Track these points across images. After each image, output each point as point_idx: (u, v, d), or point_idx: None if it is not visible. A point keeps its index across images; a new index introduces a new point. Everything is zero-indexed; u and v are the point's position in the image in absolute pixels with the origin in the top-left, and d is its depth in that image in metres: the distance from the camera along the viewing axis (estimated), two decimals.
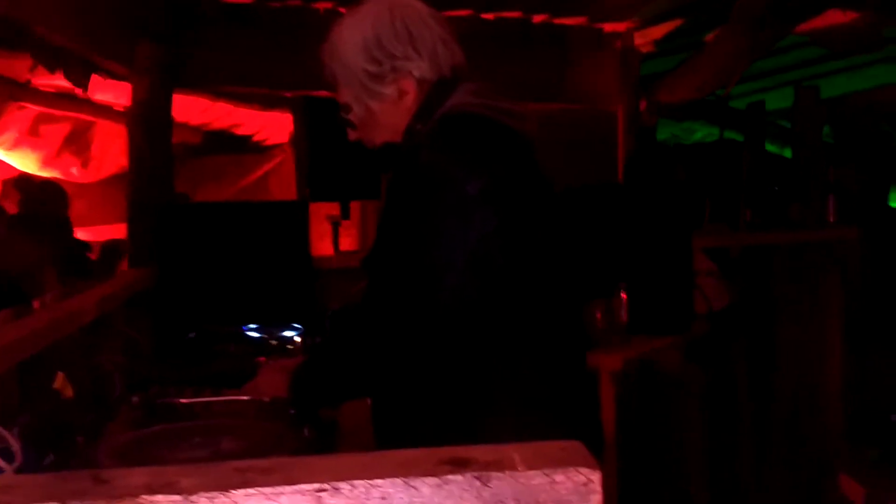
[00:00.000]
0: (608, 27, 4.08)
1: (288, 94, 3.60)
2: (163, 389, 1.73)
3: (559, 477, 0.61)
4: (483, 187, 1.43)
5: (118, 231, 3.92)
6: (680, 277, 3.10)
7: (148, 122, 3.14)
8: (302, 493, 0.60)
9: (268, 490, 0.60)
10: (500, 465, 0.62)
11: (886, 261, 3.94)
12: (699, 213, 3.92)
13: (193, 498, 0.60)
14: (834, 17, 3.88)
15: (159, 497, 0.59)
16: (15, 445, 1.19)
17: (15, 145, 4.68)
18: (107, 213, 4.91)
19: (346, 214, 3.28)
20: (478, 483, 0.61)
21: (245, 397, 1.66)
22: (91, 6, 2.73)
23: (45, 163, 4.85)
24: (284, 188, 4.99)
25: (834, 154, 4.27)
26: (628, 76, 4.16)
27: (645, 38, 4.15)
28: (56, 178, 4.91)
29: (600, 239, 3.03)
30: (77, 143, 4.82)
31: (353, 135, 1.67)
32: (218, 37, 3.39)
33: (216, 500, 0.60)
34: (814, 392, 3.83)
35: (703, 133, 5.97)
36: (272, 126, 5.22)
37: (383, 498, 0.60)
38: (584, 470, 0.61)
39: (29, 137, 4.64)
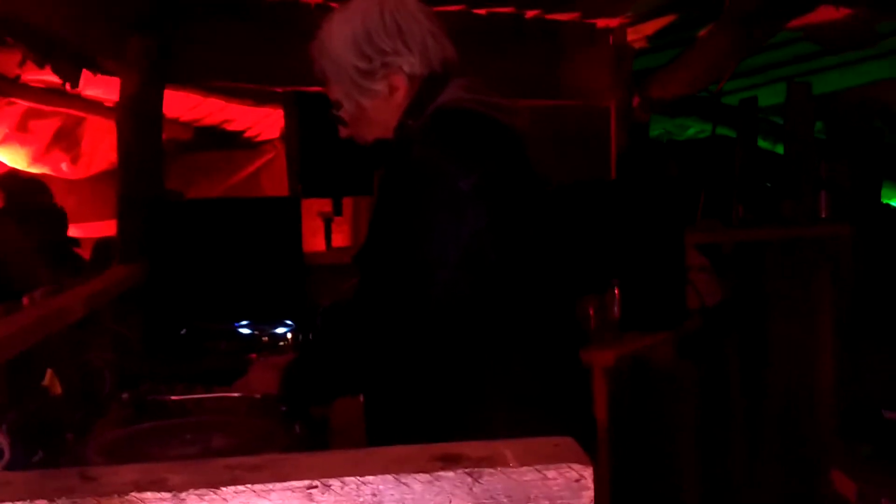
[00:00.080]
0: (601, 23, 4.07)
1: (279, 90, 3.58)
2: (153, 386, 1.73)
3: (551, 473, 0.61)
4: (475, 183, 1.42)
5: (108, 227, 3.90)
6: (672, 273, 3.10)
7: (137, 118, 3.12)
8: (292, 489, 0.60)
9: (258, 487, 0.60)
10: (492, 462, 0.61)
11: (878, 257, 3.95)
12: (692, 209, 3.93)
13: (182, 495, 0.59)
14: (827, 13, 3.89)
15: (148, 494, 0.59)
16: (3, 442, 1.18)
17: (4, 141, 4.66)
18: (97, 209, 4.88)
19: (338, 211, 3.27)
20: (469, 479, 0.60)
21: (236, 394, 1.65)
22: (80, 0, 2.72)
23: (35, 159, 4.82)
24: (276, 184, 4.97)
25: (826, 150, 4.27)
26: (621, 72, 4.16)
27: (637, 34, 4.15)
28: (46, 175, 4.88)
29: (593, 235, 3.03)
30: (67, 138, 4.79)
31: (344, 132, 1.66)
32: (209, 32, 3.37)
33: (206, 498, 0.59)
34: (806, 388, 3.83)
35: (695, 129, 5.97)
36: (264, 122, 5.20)
37: (374, 495, 0.60)
38: (576, 466, 0.61)
39: (18, 133, 4.61)
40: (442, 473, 0.60)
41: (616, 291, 2.99)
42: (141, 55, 3.09)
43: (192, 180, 5.10)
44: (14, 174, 4.47)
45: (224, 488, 0.59)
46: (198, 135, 5.28)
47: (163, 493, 0.59)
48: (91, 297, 1.99)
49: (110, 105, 4.38)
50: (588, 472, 0.61)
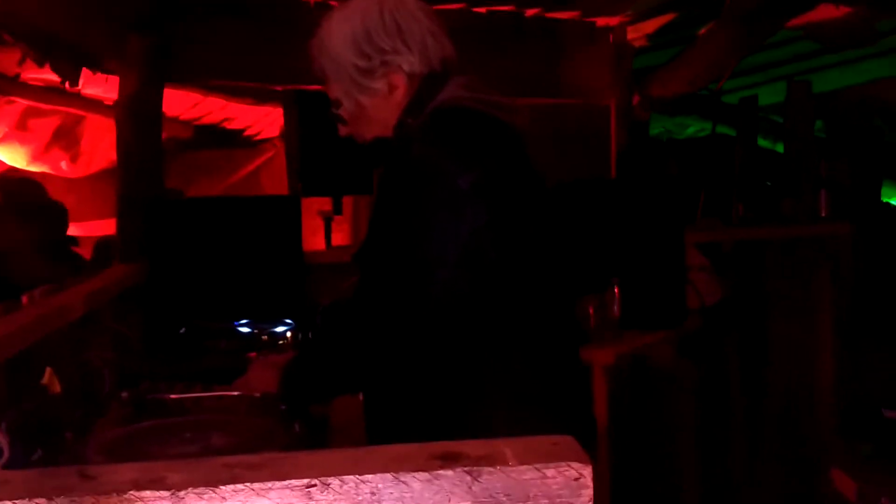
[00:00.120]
0: (601, 21, 4.07)
1: (279, 88, 3.58)
2: (153, 385, 1.73)
3: (550, 472, 0.60)
4: (475, 181, 1.42)
5: (108, 226, 3.90)
6: (672, 272, 3.10)
7: (137, 116, 3.12)
8: (291, 488, 0.60)
9: (257, 485, 0.60)
10: (491, 460, 0.61)
11: (878, 256, 3.95)
12: (692, 208, 3.93)
13: (181, 494, 0.59)
14: (827, 12, 3.89)
15: (147, 493, 0.59)
16: (2, 441, 1.18)
17: (3, 140, 4.65)
18: (97, 208, 4.88)
19: (338, 209, 3.27)
20: (468, 478, 0.60)
21: (235, 393, 1.65)
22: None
23: (34, 157, 4.82)
24: (276, 183, 4.97)
25: (826, 149, 4.27)
26: (621, 70, 4.16)
27: (638, 33, 4.15)
28: (45, 173, 4.88)
29: (593, 233, 3.03)
30: (66, 137, 4.79)
31: (343, 130, 1.66)
32: (208, 30, 3.37)
33: (204, 496, 0.59)
34: (806, 387, 3.83)
35: (695, 128, 5.97)
36: (264, 120, 5.20)
37: (373, 493, 0.60)
38: (575, 465, 0.61)
39: (17, 132, 4.61)
40: (441, 472, 0.60)
41: (616, 290, 2.99)
42: (140, 54, 3.09)
43: (192, 179, 5.09)
44: (10, 173, 4.46)
45: (223, 487, 0.59)
46: (198, 133, 5.28)
47: (161, 492, 0.59)
48: (91, 295, 1.99)
49: (110, 104, 4.37)
50: (587, 471, 0.61)
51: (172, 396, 1.66)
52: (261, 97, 4.57)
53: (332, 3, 3.14)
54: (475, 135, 1.51)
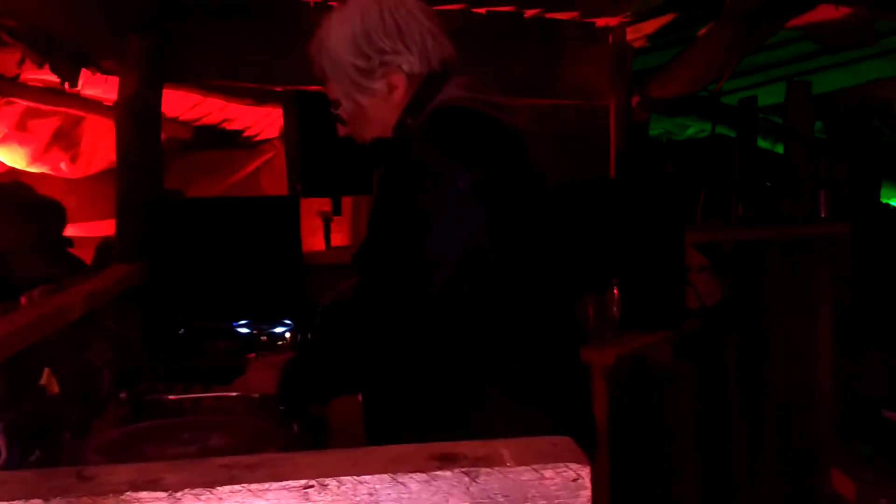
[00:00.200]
0: (600, 22, 4.07)
1: (279, 89, 3.58)
2: (152, 386, 1.73)
3: (548, 472, 0.60)
4: (474, 182, 1.42)
5: (108, 227, 3.90)
6: (672, 273, 3.10)
7: (136, 117, 3.12)
8: (288, 489, 0.60)
9: (254, 486, 0.59)
10: (489, 461, 0.61)
11: (878, 256, 3.95)
12: (691, 209, 3.93)
13: (178, 495, 0.59)
14: (826, 12, 3.89)
15: (144, 494, 0.59)
16: (0, 442, 1.17)
17: (3, 141, 4.65)
18: (96, 208, 4.87)
19: (337, 210, 3.27)
20: (466, 479, 0.60)
21: (234, 393, 1.65)
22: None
23: (34, 158, 4.81)
24: (275, 183, 4.96)
25: (826, 149, 4.27)
26: (620, 71, 4.16)
27: (637, 33, 4.14)
28: (45, 174, 4.88)
29: (592, 234, 3.03)
30: (66, 138, 4.78)
31: (342, 130, 1.66)
32: (208, 31, 3.37)
33: (202, 497, 0.59)
34: (806, 387, 3.83)
35: (695, 128, 5.97)
36: (264, 121, 5.19)
37: (371, 494, 0.60)
38: (573, 465, 0.61)
39: (17, 133, 4.60)
40: (439, 473, 0.60)
41: (615, 290, 2.99)
42: (140, 54, 3.09)
43: (192, 179, 5.09)
44: (10, 174, 4.46)
45: (220, 488, 0.59)
46: (197, 134, 5.27)
47: (158, 493, 0.58)
48: (90, 296, 1.99)
49: (109, 104, 4.37)
50: (585, 472, 0.61)
51: (171, 397, 1.66)
52: (260, 98, 4.57)
53: (332, 3, 3.14)
54: (475, 135, 1.51)
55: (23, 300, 1.95)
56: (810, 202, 3.96)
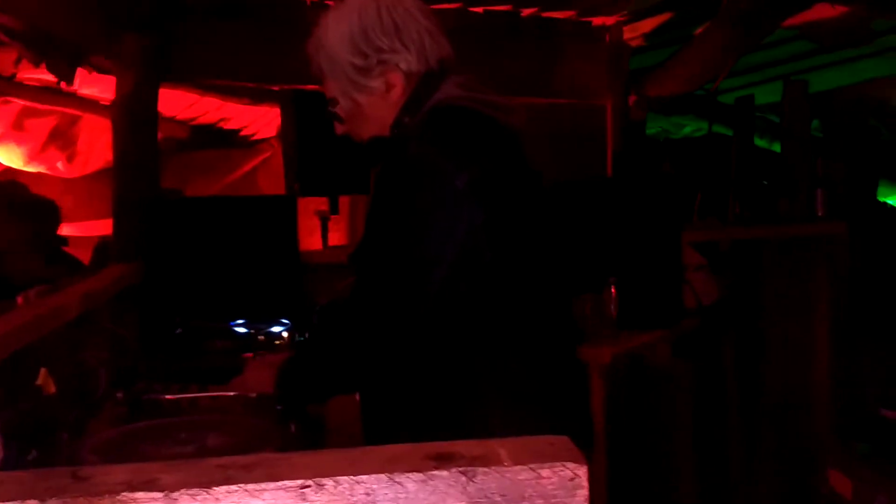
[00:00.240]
0: (597, 21, 4.07)
1: (276, 88, 3.58)
2: (148, 385, 1.72)
3: (545, 472, 0.60)
4: (471, 181, 1.42)
5: (105, 226, 3.89)
6: (669, 272, 3.10)
7: (133, 116, 3.11)
8: (285, 489, 0.59)
9: (250, 487, 0.59)
10: (486, 461, 0.61)
11: (874, 255, 3.95)
12: (688, 208, 3.93)
13: (174, 495, 0.59)
14: (823, 11, 3.89)
15: (140, 494, 0.58)
16: None
17: None
18: (93, 208, 4.87)
19: (334, 209, 3.26)
20: (463, 478, 0.60)
21: (231, 393, 1.64)
22: None
23: (31, 157, 4.80)
24: (273, 183, 4.96)
25: (823, 148, 4.28)
26: (617, 70, 4.16)
27: (634, 32, 4.14)
28: (42, 173, 4.87)
29: (590, 233, 3.03)
30: (63, 137, 4.78)
31: (340, 129, 1.66)
32: (205, 30, 3.36)
33: (198, 498, 0.59)
34: (803, 386, 3.84)
35: (692, 127, 5.97)
36: (261, 120, 5.19)
37: (367, 494, 0.60)
38: (570, 465, 0.61)
39: (13, 132, 4.59)
40: (436, 473, 0.60)
41: (613, 290, 2.99)
42: (137, 53, 3.08)
43: (189, 179, 5.08)
44: (6, 173, 4.45)
45: (216, 488, 0.59)
46: (194, 133, 5.27)
47: (154, 493, 0.58)
48: (86, 296, 1.99)
49: (106, 103, 4.37)
50: (582, 471, 0.61)
51: (168, 397, 1.66)
52: (257, 97, 4.57)
53: (329, 2, 3.14)
54: (472, 134, 1.51)
55: (19, 300, 1.94)
56: (807, 201, 3.97)
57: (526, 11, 3.89)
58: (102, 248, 3.97)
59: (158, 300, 2.60)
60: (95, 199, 4.83)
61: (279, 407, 1.56)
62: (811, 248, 3.84)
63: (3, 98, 4.35)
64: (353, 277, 1.53)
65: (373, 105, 1.58)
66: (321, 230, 3.34)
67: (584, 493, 0.60)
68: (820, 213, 3.95)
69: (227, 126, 5.27)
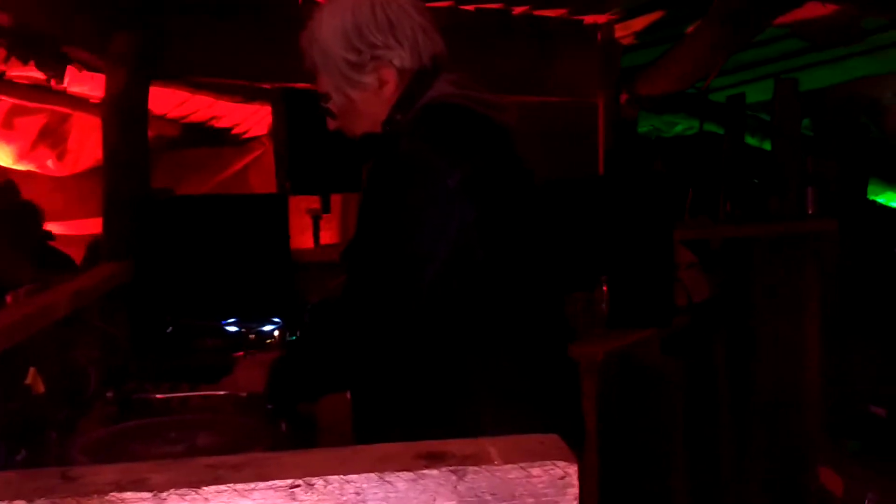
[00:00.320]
0: (589, 19, 4.07)
1: (267, 86, 3.57)
2: (138, 384, 1.71)
3: (536, 470, 0.60)
4: (463, 178, 1.42)
5: (95, 225, 3.88)
6: (660, 270, 3.11)
7: (123, 114, 3.10)
8: (275, 488, 0.59)
9: (240, 486, 0.59)
10: (477, 459, 0.61)
11: (865, 253, 3.97)
12: (679, 206, 3.93)
13: (163, 495, 0.58)
14: (814, 10, 3.90)
15: (128, 494, 0.58)
16: None
17: None
18: (84, 206, 4.85)
19: (326, 208, 3.26)
20: (454, 477, 0.60)
21: (222, 392, 1.64)
22: None
23: (20, 156, 4.79)
24: (264, 181, 4.95)
25: (813, 146, 4.29)
26: (609, 68, 4.17)
27: (626, 30, 4.15)
28: (31, 172, 4.85)
29: (581, 231, 3.03)
30: (53, 135, 4.76)
31: (332, 124, 1.65)
32: (196, 28, 3.35)
33: (187, 497, 0.59)
34: (793, 384, 3.85)
35: (683, 126, 5.98)
36: (252, 118, 5.18)
37: (357, 493, 0.59)
38: (560, 463, 0.61)
39: (3, 130, 4.58)
40: (426, 472, 0.60)
41: (604, 288, 2.99)
42: (126, 51, 3.07)
43: (180, 177, 5.07)
44: None
45: (205, 488, 0.59)
46: (185, 132, 5.25)
47: (143, 493, 0.58)
48: (76, 294, 1.98)
49: (96, 101, 4.35)
50: (573, 470, 0.61)
51: (158, 396, 1.65)
52: (249, 95, 4.56)
53: (321, 0, 3.13)
54: (464, 132, 1.50)
55: (8, 299, 1.94)
56: (798, 199, 3.98)
57: (517, 10, 3.89)
58: (95, 247, 3.96)
59: (149, 299, 2.59)
60: (86, 198, 4.82)
61: (270, 406, 1.56)
62: (801, 245, 3.86)
63: None
64: (344, 276, 1.52)
65: (366, 101, 1.58)
66: (313, 229, 3.33)
67: (574, 491, 0.60)
68: (810, 211, 3.96)
69: (219, 124, 5.26)
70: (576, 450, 0.63)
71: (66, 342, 1.85)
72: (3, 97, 4.37)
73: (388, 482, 0.60)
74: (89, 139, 4.71)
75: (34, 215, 3.47)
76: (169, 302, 2.57)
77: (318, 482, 0.59)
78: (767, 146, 4.93)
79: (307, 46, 1.60)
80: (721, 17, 3.78)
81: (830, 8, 3.88)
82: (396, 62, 1.55)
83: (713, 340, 3.77)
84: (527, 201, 1.59)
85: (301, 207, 3.31)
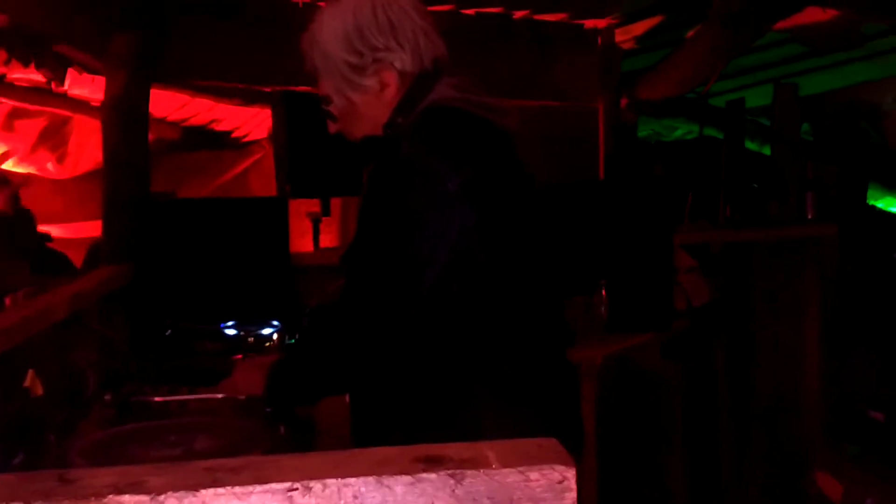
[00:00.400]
0: (589, 23, 4.08)
1: (267, 89, 3.57)
2: (137, 387, 1.71)
3: (534, 474, 0.60)
4: (464, 182, 1.42)
5: (95, 227, 3.88)
6: (660, 274, 3.11)
7: (123, 117, 3.10)
8: (272, 492, 0.59)
9: (237, 489, 0.59)
10: (475, 463, 0.61)
11: (864, 258, 3.97)
12: (679, 210, 3.94)
13: (161, 498, 0.58)
14: (814, 15, 3.91)
15: (126, 497, 0.58)
16: None
17: None
18: (84, 209, 4.85)
19: (326, 211, 3.26)
20: (452, 481, 0.60)
21: (220, 395, 1.64)
22: None
23: (21, 158, 4.79)
24: (264, 184, 4.95)
25: (813, 151, 4.30)
26: (609, 73, 4.17)
27: (626, 35, 4.16)
28: (31, 174, 4.85)
29: (581, 235, 3.03)
30: (53, 138, 4.76)
31: (333, 127, 1.65)
32: (196, 31, 3.36)
33: (185, 501, 0.59)
34: (793, 388, 3.85)
35: (683, 130, 5.99)
36: (252, 122, 5.18)
37: (356, 497, 0.59)
38: (559, 467, 0.61)
39: (3, 133, 4.58)
40: (424, 475, 0.60)
41: (604, 292, 2.99)
42: (127, 53, 3.07)
43: (180, 180, 5.07)
44: None
45: (203, 491, 0.59)
46: (186, 135, 5.26)
47: (141, 496, 0.58)
48: (75, 297, 1.98)
49: (97, 104, 4.35)
50: (571, 474, 0.61)
51: (157, 399, 1.65)
52: (249, 98, 4.56)
53: (321, 3, 3.13)
54: (465, 136, 1.50)
55: (7, 301, 1.93)
56: (797, 204, 3.98)
57: (518, 14, 3.90)
58: (95, 250, 3.96)
59: (148, 301, 2.59)
60: (86, 201, 4.82)
61: (268, 409, 1.56)
62: (801, 250, 3.86)
63: None
64: (344, 279, 1.52)
65: (367, 104, 1.58)
66: (312, 232, 3.33)
67: (572, 495, 0.60)
68: (810, 216, 3.96)
69: (219, 127, 5.26)
70: (574, 453, 0.63)
71: (65, 345, 1.85)
72: (4, 99, 4.37)
73: (387, 486, 0.59)
74: (89, 142, 4.71)
75: (29, 220, 3.47)
76: (168, 305, 2.57)
77: (317, 486, 0.59)
78: (767, 151, 4.94)
79: (308, 49, 1.60)
80: (721, 22, 3.79)
81: (830, 13, 3.89)
82: (398, 65, 1.55)
83: (713, 344, 3.77)
84: (527, 205, 1.59)
85: (301, 210, 3.31)
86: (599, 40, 4.13)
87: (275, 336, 2.19)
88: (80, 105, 4.56)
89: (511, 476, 0.60)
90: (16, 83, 4.26)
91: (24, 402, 1.43)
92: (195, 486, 0.59)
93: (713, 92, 4.76)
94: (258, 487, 0.59)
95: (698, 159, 4.42)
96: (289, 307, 2.51)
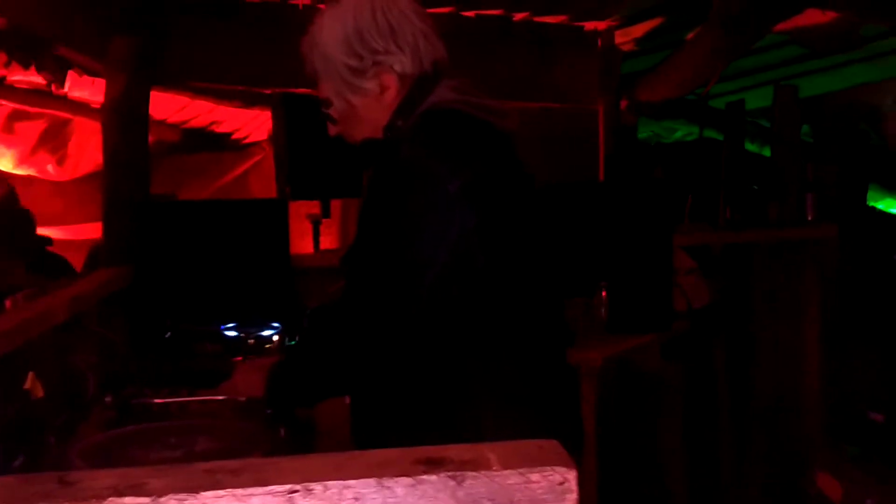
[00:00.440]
0: (589, 25, 4.08)
1: (267, 91, 3.57)
2: (138, 389, 1.71)
3: (535, 476, 0.60)
4: (464, 184, 1.42)
5: (95, 230, 3.88)
6: (660, 275, 3.11)
7: (123, 119, 3.10)
8: (273, 494, 0.59)
9: (238, 491, 0.59)
10: (476, 465, 0.61)
11: (864, 258, 3.97)
12: (679, 212, 3.94)
13: (162, 500, 0.58)
14: (813, 17, 3.91)
15: (127, 499, 0.58)
16: None
17: None
18: (84, 211, 4.85)
19: (326, 213, 3.26)
20: (452, 483, 0.60)
21: (221, 397, 1.64)
22: (66, 0, 2.70)
23: (21, 161, 4.78)
24: (264, 186, 4.95)
25: (813, 153, 4.30)
26: (609, 74, 4.17)
27: (626, 37, 4.16)
28: (32, 176, 4.85)
29: (581, 237, 3.03)
30: (53, 140, 4.75)
31: (333, 130, 1.65)
32: (196, 33, 3.36)
33: (185, 503, 0.59)
34: (793, 389, 3.85)
35: (683, 132, 5.99)
36: (252, 124, 5.18)
37: (356, 499, 0.59)
38: (559, 469, 0.61)
39: (3, 135, 4.57)
40: (425, 477, 0.60)
41: (604, 293, 2.99)
42: (127, 56, 3.07)
43: (180, 182, 5.07)
44: None
45: (204, 493, 0.59)
46: (186, 136, 5.25)
47: (141, 498, 0.58)
48: (75, 299, 1.98)
49: (97, 106, 4.35)
50: (572, 475, 0.61)
51: (157, 401, 1.65)
52: (249, 100, 4.56)
53: (321, 5, 3.13)
54: (465, 138, 1.51)
55: (7, 304, 1.93)
56: (797, 205, 3.98)
57: (518, 16, 3.90)
58: (96, 252, 3.96)
59: (149, 303, 2.59)
60: (86, 203, 4.81)
61: (268, 411, 1.56)
62: (801, 251, 3.86)
63: None
64: (344, 281, 1.52)
65: (366, 107, 1.58)
66: (313, 234, 3.33)
67: (573, 497, 0.60)
68: (810, 217, 3.97)
69: (219, 129, 5.26)
70: (575, 455, 0.63)
71: (65, 347, 1.85)
72: (4, 102, 4.37)
73: (387, 487, 0.59)
74: (90, 144, 4.71)
75: (29, 221, 3.47)
76: (168, 306, 2.57)
77: (317, 488, 0.59)
78: (767, 152, 4.94)
79: (308, 52, 1.61)
80: (721, 24, 3.79)
81: (830, 15, 3.89)
82: (398, 68, 1.55)
83: (713, 345, 3.77)
84: (527, 207, 1.59)
85: (301, 212, 3.31)
86: (599, 42, 4.14)
87: (275, 338, 2.19)
88: (80, 107, 4.55)
89: (512, 478, 0.60)
90: (16, 85, 4.26)
91: (24, 405, 1.43)
92: (196, 489, 0.59)
93: (713, 94, 4.76)
94: (259, 489, 0.59)
95: (698, 161, 4.42)
96: (289, 309, 2.51)
